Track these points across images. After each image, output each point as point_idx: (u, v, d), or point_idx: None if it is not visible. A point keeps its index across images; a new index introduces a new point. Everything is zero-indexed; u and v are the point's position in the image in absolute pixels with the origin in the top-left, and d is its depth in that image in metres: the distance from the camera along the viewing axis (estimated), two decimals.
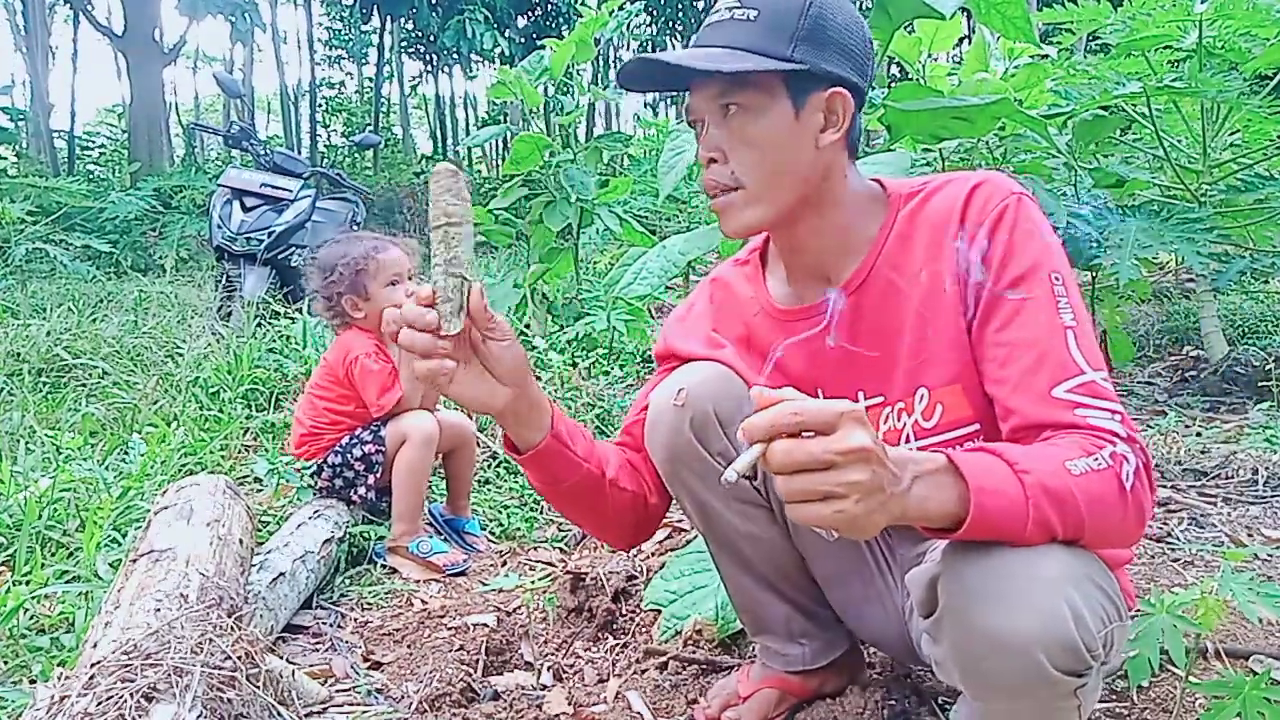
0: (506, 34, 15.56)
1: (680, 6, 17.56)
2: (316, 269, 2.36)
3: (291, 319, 3.74)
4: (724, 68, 1.02)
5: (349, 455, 2.25)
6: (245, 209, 4.86)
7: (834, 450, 0.76)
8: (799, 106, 1.06)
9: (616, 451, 1.26)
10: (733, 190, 1.09)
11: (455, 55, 16.03)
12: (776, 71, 1.04)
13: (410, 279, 2.32)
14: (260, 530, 2.03)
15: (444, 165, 0.98)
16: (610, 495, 1.19)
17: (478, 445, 2.62)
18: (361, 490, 2.27)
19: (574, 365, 3.25)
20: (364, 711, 1.49)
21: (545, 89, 4.51)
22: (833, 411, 0.78)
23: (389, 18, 16.83)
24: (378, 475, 2.26)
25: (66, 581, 1.75)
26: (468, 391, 1.01)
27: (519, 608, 1.88)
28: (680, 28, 18.74)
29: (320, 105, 19.53)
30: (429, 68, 19.67)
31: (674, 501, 1.29)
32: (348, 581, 2.10)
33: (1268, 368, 3.17)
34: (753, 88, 1.05)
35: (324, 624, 1.86)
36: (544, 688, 1.57)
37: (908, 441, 1.11)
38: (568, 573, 1.87)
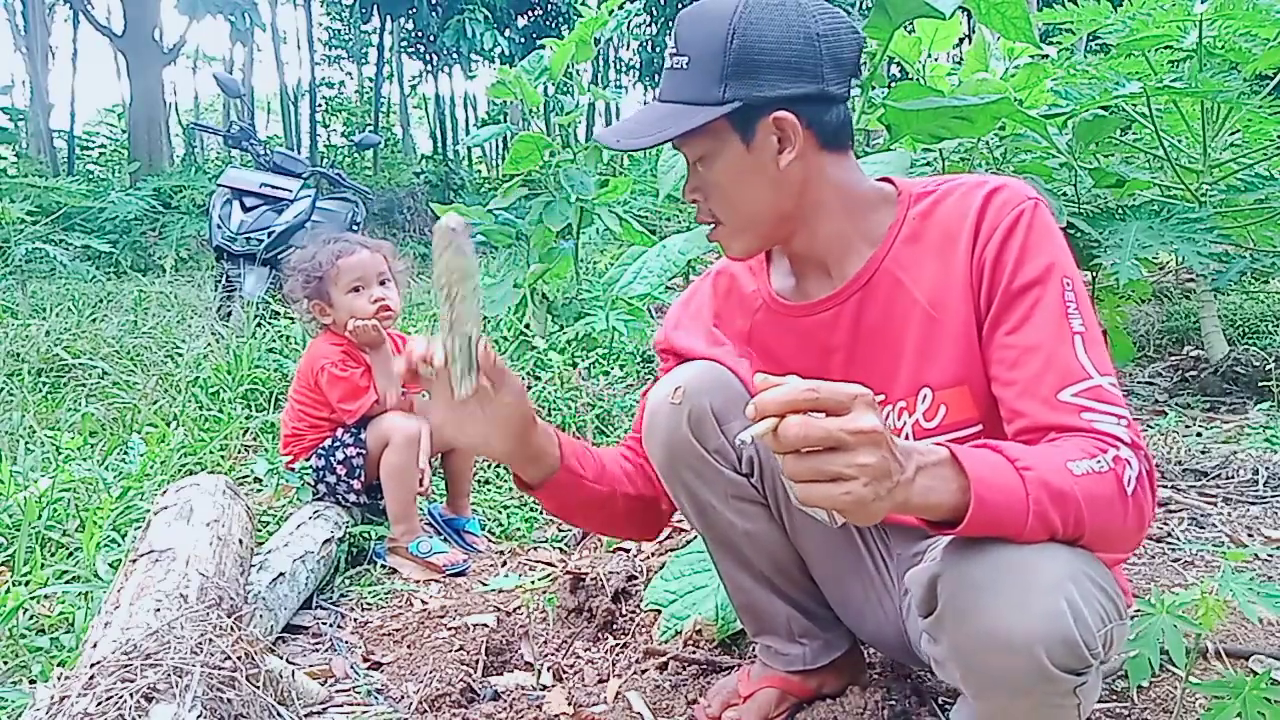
0: (506, 34, 15.53)
1: (680, 6, 17.55)
2: (292, 272, 2.37)
3: (291, 319, 3.74)
4: (636, 144, 1.07)
5: (331, 459, 2.26)
6: (245, 209, 4.87)
7: (846, 430, 0.77)
8: (749, 139, 1.08)
9: (628, 457, 1.29)
10: (718, 224, 1.14)
11: (455, 55, 16.01)
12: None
13: (383, 284, 2.31)
14: (260, 530, 2.03)
15: (445, 222, 0.93)
16: (622, 505, 1.25)
17: None
18: (351, 497, 2.27)
19: (574, 365, 3.24)
20: (364, 711, 1.49)
21: (545, 89, 4.50)
22: (846, 393, 0.79)
23: (389, 18, 16.81)
24: (360, 479, 2.26)
25: (66, 581, 1.75)
26: (475, 437, 1.05)
27: (519, 608, 1.88)
28: None
29: (320, 105, 19.51)
30: (429, 68, 19.63)
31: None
32: (348, 581, 2.10)
33: (1268, 368, 3.17)
34: (699, 136, 1.08)
35: (324, 624, 1.86)
36: (544, 688, 1.57)
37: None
38: (568, 573, 1.87)
